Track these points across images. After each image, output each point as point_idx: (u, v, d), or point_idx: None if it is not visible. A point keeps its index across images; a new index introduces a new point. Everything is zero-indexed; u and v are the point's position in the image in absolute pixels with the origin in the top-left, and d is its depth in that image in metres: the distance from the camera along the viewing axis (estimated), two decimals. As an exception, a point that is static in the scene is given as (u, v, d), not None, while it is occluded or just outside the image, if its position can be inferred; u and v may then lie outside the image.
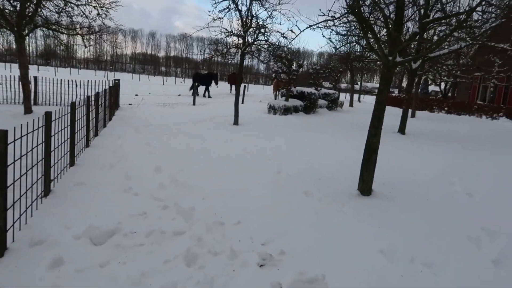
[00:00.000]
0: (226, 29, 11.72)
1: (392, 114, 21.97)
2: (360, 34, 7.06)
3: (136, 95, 17.20)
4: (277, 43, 11.85)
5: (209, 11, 11.48)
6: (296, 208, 4.77)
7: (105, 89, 10.57)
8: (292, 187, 5.64)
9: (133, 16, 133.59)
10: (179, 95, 20.84)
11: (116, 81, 13.73)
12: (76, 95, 13.34)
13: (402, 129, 13.17)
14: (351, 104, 26.35)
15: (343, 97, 29.23)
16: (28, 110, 10.56)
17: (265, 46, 12.15)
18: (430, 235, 4.27)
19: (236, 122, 12.02)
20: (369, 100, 36.64)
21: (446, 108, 25.07)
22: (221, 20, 11.66)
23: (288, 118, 15.27)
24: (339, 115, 19.11)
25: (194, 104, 17.73)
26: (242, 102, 20.95)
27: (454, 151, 10.15)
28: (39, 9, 10.98)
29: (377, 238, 4.06)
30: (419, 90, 57.02)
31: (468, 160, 9.01)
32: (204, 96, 23.87)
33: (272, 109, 16.56)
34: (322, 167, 6.99)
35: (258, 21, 11.55)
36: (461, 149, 10.68)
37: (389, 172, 6.95)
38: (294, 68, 17.81)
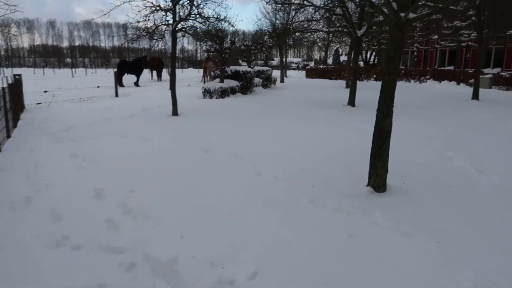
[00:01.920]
0: (151, 3, 9.76)
1: (329, 86, 21.60)
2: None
3: (45, 91, 14.40)
4: (214, 16, 10.17)
5: None
6: (317, 231, 3.42)
7: (2, 88, 8.19)
8: (289, 196, 4.29)
9: (25, 3, 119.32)
10: (98, 87, 18.15)
11: (17, 76, 11.06)
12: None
13: (352, 101, 12.42)
14: (282, 80, 25.53)
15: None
16: None
17: (200, 21, 10.42)
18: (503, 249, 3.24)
19: (175, 112, 10.26)
20: (293, 75, 36.33)
21: (374, 76, 25.34)
22: (143, -9, 9.66)
23: (227, 101, 13.78)
24: (277, 92, 18.04)
25: (117, 95, 15.39)
26: (170, 88, 18.92)
27: (417, 121, 9.55)
28: None
29: (447, 264, 2.91)
30: (332, 60, 58.48)
31: (440, 129, 8.39)
32: (136, 85, 21.32)
33: (207, 92, 14.92)
34: (305, 161, 5.71)
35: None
36: (421, 118, 10.15)
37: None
38: (226, 46, 16.23)
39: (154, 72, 27.18)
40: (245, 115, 10.13)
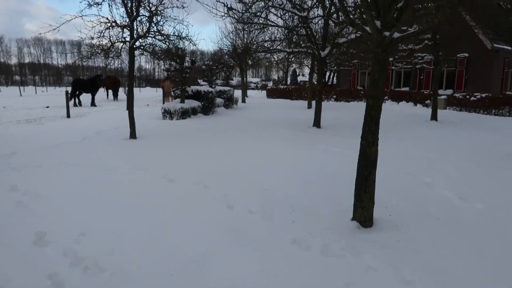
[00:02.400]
0: (106, 18, 9.10)
1: (291, 107, 21.49)
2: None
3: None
4: (175, 34, 9.63)
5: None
6: (308, 283, 2.93)
7: None
8: (268, 235, 3.77)
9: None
10: (48, 107, 16.91)
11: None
12: None
13: (317, 123, 12.22)
14: (243, 100, 25.24)
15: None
16: None
17: (159, 39, 9.84)
18: None
19: (133, 135, 9.52)
20: (253, 95, 36.28)
21: (334, 96, 25.68)
22: (99, 6, 8.98)
23: (189, 122, 13.18)
24: (240, 113, 17.64)
25: (68, 116, 14.31)
26: (127, 108, 18.01)
27: (386, 142, 9.41)
28: None
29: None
30: (290, 81, 59.62)
31: (410, 151, 8.26)
32: (92, 105, 20.12)
33: (167, 113, 14.24)
34: (280, 189, 5.23)
35: (150, 7, 9.19)
36: (389, 139, 10.06)
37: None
38: (186, 65, 15.69)
39: (110, 92, 26.02)
40: (209, 138, 9.57)
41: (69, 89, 19.63)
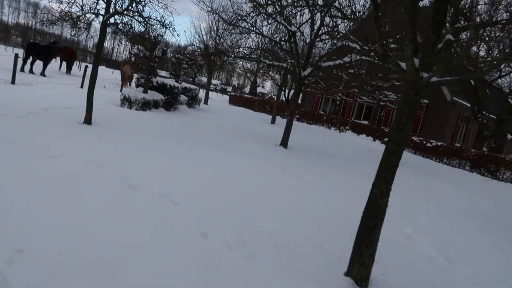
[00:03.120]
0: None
1: (254, 118, 20.97)
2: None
3: None
4: (157, 19, 8.71)
5: None
6: None
7: None
8: (254, 282, 3.12)
9: None
10: (-12, 67, 15.02)
11: None
12: None
13: (285, 142, 11.77)
14: (206, 102, 24.39)
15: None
16: None
17: (139, 20, 8.88)
18: None
19: (88, 120, 8.42)
20: (213, 97, 35.45)
21: (297, 116, 25.62)
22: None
23: (150, 116, 12.18)
24: (203, 115, 16.82)
25: (13, 82, 12.69)
26: (81, 87, 16.52)
27: (354, 175, 9.15)
28: None
29: None
30: (249, 90, 59.41)
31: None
32: (42, 74, 18.17)
33: (126, 101, 13.10)
34: (260, 220, 4.57)
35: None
36: (356, 172, 9.82)
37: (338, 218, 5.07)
38: (157, 54, 14.66)
39: (64, 64, 23.97)
40: (175, 139, 8.72)
41: (19, 51, 17.70)
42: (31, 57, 18.45)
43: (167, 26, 8.76)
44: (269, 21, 12.19)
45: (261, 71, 28.22)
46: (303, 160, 9.93)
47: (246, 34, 12.98)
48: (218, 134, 11.38)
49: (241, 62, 24.35)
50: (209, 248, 3.56)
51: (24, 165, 4.70)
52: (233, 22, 11.49)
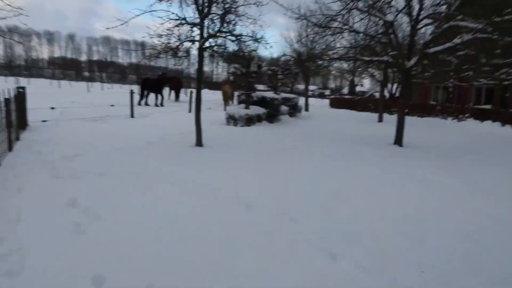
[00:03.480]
0: (176, 14, 8.46)
1: (358, 119, 20.02)
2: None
3: (53, 108, 13.10)
4: (249, 35, 8.76)
5: None
6: None
7: (6, 99, 6.89)
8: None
9: (47, 17, 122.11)
10: (112, 105, 16.92)
11: (20, 89, 9.74)
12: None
13: (399, 140, 10.83)
14: (306, 109, 24.12)
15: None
16: None
17: (231, 39, 9.04)
18: None
19: (199, 143, 8.78)
20: (313, 103, 34.89)
21: (407, 110, 23.76)
22: (170, 1, 8.36)
23: (255, 130, 12.32)
24: (306, 123, 16.55)
25: (132, 116, 14.05)
26: (190, 111, 17.62)
27: (489, 172, 7.90)
28: None
29: None
30: (348, 90, 57.37)
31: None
32: (157, 105, 20.16)
33: (232, 119, 13.51)
34: (396, 240, 4.07)
35: (223, 4, 8.42)
36: (496, 167, 8.48)
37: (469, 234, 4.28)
38: (252, 69, 14.91)
39: (172, 92, 26.07)
40: (282, 151, 8.59)
41: (134, 87, 19.70)
42: (145, 91, 20.43)
43: (259, 40, 8.73)
44: (361, 16, 11.52)
45: (358, 69, 27.00)
46: (422, 158, 8.96)
47: (338, 34, 12.44)
48: (326, 140, 10.98)
49: (336, 64, 23.57)
50: (340, 275, 3.20)
51: (146, 193, 4.95)
52: (323, 24, 11.07)
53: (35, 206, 4.25)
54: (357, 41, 17.56)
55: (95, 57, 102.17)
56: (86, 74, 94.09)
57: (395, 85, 29.97)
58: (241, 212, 4.50)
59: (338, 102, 29.85)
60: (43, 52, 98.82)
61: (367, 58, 12.85)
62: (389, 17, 10.24)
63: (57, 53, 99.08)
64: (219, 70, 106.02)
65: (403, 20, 12.82)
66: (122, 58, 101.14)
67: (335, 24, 11.04)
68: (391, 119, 19.96)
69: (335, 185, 5.95)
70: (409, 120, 20.96)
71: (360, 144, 10.63)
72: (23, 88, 9.94)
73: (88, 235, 3.61)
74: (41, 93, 21.18)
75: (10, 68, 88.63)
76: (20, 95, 9.64)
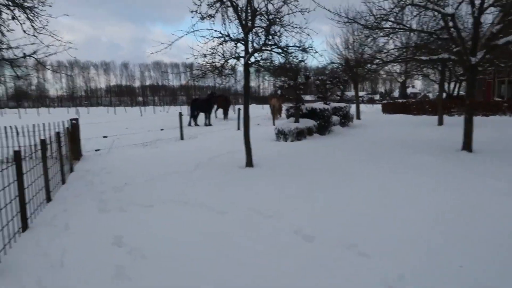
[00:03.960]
0: (220, 32, 8.22)
1: (415, 123, 18.76)
2: None
3: (105, 136, 13.41)
4: (296, 46, 8.28)
5: (193, 11, 7.75)
6: None
7: (56, 133, 6.93)
8: None
9: (103, 48, 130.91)
10: (162, 129, 17.17)
11: (74, 121, 9.97)
12: (19, 146, 9.51)
13: (468, 145, 9.73)
14: (358, 117, 23.11)
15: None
16: None
17: (277, 51, 8.63)
18: None
19: (249, 163, 8.37)
20: (364, 109, 33.56)
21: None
22: (213, 19, 8.13)
23: (306, 144, 11.73)
24: (359, 132, 15.69)
25: (182, 138, 14.05)
26: (238, 129, 17.43)
27: None
28: None
29: None
30: (398, 93, 54.85)
31: None
32: (206, 124, 20.35)
33: (281, 134, 13.04)
34: (486, 268, 3.36)
35: (268, 16, 8.04)
36: None
37: None
38: (300, 81, 14.40)
39: (220, 110, 26.21)
40: (337, 169, 7.94)
41: (184, 108, 19.97)
42: (195, 112, 20.66)
43: (308, 50, 8.23)
44: (416, 11, 10.68)
45: (413, 71, 25.58)
46: (498, 165, 7.89)
47: (391, 35, 11.64)
48: (383, 151, 10.14)
49: (387, 67, 22.45)
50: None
51: (193, 225, 4.57)
52: (374, 26, 10.35)
53: (80, 247, 4.01)
54: (411, 40, 16.53)
55: (148, 82, 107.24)
56: (140, 99, 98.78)
57: (452, 84, 28.06)
58: (300, 245, 3.96)
59: (391, 107, 28.43)
60: (101, 81, 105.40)
61: (424, 58, 11.89)
62: (449, 10, 9.34)
63: (113, 82, 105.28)
64: (265, 84, 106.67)
65: (463, 11, 11.77)
66: (172, 81, 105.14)
67: (387, 24, 10.29)
68: (452, 121, 18.50)
69: (405, 206, 5.23)
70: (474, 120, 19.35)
71: (423, 152, 9.69)
72: (76, 119, 10.16)
73: (132, 282, 3.25)
74: (97, 122, 22.14)
75: (72, 99, 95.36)
76: (74, 126, 9.85)
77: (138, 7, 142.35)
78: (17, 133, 9.48)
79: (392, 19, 10.04)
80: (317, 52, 8.23)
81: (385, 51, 12.06)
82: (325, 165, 8.35)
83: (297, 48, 8.47)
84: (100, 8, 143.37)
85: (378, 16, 9.87)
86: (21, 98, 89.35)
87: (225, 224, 4.64)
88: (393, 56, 12.45)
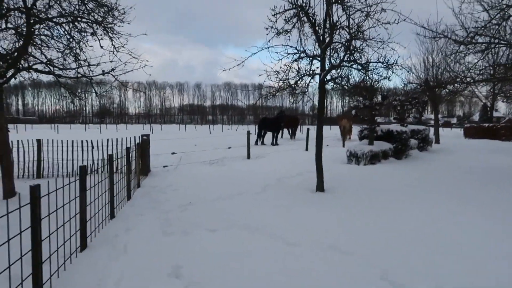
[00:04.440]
0: (295, 48, 7.77)
1: (507, 150, 16.68)
2: None
3: (173, 153, 13.50)
4: (380, 61, 7.52)
5: (268, 27, 7.38)
6: None
7: (126, 148, 6.88)
8: None
9: (179, 71, 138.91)
10: (229, 147, 17.05)
11: (145, 137, 10.04)
12: (92, 160, 9.77)
13: None
14: (437, 141, 21.26)
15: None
16: (9, 194, 6.92)
17: (357, 68, 7.94)
18: None
19: (320, 187, 7.68)
20: (442, 133, 30.99)
21: None
22: (288, 34, 7.72)
23: (381, 169, 10.72)
24: (440, 157, 14.19)
25: (249, 157, 13.71)
26: (306, 149, 16.74)
27: None
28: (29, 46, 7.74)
29: None
30: (479, 117, 50.43)
31: None
32: (273, 144, 20.05)
33: (353, 157, 12.14)
34: None
35: (350, 30, 7.43)
36: None
37: None
38: (377, 101, 13.45)
39: (285, 130, 25.75)
40: (420, 198, 6.95)
41: (251, 127, 19.79)
42: (263, 131, 20.37)
43: (393, 66, 7.43)
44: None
45: (501, 91, 23.21)
46: None
47: (487, 51, 10.38)
48: (473, 182, 8.86)
49: (472, 87, 20.58)
50: None
51: (261, 259, 4.00)
52: (468, 41, 9.25)
53: (136, 274, 3.63)
54: (499, 58, 14.83)
55: (218, 102, 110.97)
56: (209, 117, 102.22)
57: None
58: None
59: (474, 131, 25.90)
60: (175, 100, 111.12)
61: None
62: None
63: (186, 101, 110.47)
64: (333, 105, 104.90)
65: None
66: (241, 101, 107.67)
67: (480, 39, 9.15)
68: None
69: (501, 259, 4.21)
70: None
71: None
72: (147, 135, 10.25)
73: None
74: (168, 138, 22.78)
75: (148, 117, 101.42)
76: (144, 142, 9.92)
77: (213, 32, 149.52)
78: (92, 147, 9.74)
79: (488, 32, 8.89)
80: (403, 68, 7.39)
81: (472, 71, 10.76)
82: (404, 194, 7.39)
83: (380, 64, 7.70)
84: (180, 35, 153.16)
85: (473, 28, 8.79)
86: (104, 115, 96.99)
87: (296, 259, 4.02)
88: (486, 74, 11.11)
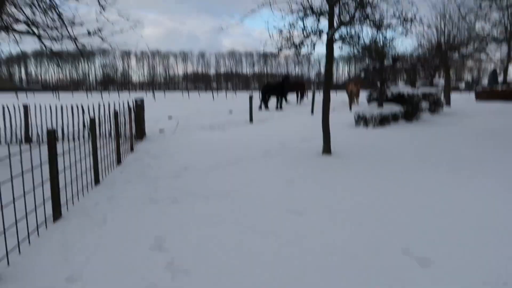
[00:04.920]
0: (301, 3, 6.93)
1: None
2: None
3: (170, 117, 12.84)
4: (396, 16, 6.68)
5: None
6: None
7: (114, 112, 6.31)
8: None
9: (182, 39, 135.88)
10: (231, 112, 16.41)
11: (138, 102, 9.40)
12: (83, 124, 9.20)
13: None
14: (448, 103, 20.37)
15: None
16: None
17: (371, 25, 7.11)
18: None
19: (327, 150, 7.08)
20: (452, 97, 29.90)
21: None
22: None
23: (391, 132, 10.05)
24: (453, 120, 13.41)
25: (251, 121, 13.08)
26: (312, 113, 16.06)
27: None
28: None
29: None
30: (488, 82, 49.20)
31: None
32: (277, 108, 19.38)
33: (362, 120, 11.46)
34: None
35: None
36: None
37: None
38: (387, 63, 12.59)
39: (290, 94, 24.92)
40: (434, 164, 6.32)
41: (254, 93, 19.07)
42: (266, 96, 19.66)
43: (411, 21, 6.58)
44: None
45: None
46: None
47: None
48: (490, 145, 8.21)
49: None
50: None
51: (267, 230, 3.46)
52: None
53: (110, 250, 3.10)
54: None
55: (222, 70, 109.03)
56: (214, 85, 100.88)
57: None
58: (412, 267, 2.67)
59: (487, 94, 24.90)
60: (179, 69, 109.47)
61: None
62: None
63: (190, 69, 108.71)
64: (339, 72, 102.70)
65: None
66: (246, 69, 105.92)
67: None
68: None
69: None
70: None
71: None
72: (141, 100, 9.61)
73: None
74: (170, 104, 22.14)
75: (152, 84, 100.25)
76: (138, 107, 9.30)
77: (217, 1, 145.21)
78: (83, 112, 9.14)
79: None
80: (422, 23, 6.57)
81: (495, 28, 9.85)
82: (419, 156, 6.78)
83: (398, 19, 6.85)
84: (184, 3, 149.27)
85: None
86: (107, 84, 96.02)
87: (305, 228, 3.47)
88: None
